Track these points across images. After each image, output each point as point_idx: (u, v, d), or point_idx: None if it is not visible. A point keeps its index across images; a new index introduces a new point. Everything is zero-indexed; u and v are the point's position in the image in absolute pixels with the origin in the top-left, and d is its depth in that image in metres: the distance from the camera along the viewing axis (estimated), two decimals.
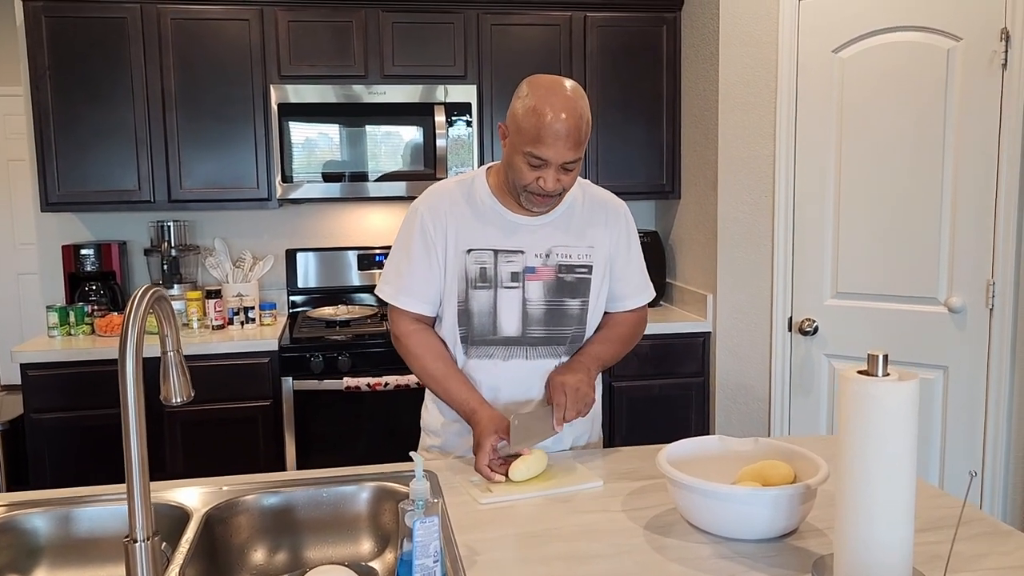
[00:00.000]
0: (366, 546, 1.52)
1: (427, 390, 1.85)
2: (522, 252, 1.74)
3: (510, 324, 1.74)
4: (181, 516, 1.44)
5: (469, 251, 1.73)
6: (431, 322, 1.81)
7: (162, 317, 1.22)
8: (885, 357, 1.10)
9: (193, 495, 1.51)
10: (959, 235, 2.66)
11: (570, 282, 1.77)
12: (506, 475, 1.56)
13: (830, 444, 1.76)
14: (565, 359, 1.78)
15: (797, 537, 1.31)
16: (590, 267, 1.79)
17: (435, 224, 1.73)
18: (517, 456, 1.57)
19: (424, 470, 1.60)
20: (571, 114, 1.57)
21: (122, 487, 1.51)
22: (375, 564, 1.48)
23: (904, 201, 2.74)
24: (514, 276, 1.73)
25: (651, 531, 1.35)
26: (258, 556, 1.48)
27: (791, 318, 3.02)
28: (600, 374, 1.81)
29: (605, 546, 1.30)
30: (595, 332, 1.85)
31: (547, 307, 1.75)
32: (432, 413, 1.87)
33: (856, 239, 2.85)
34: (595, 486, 1.55)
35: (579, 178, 1.84)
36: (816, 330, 2.95)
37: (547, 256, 1.75)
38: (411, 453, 1.18)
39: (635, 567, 1.23)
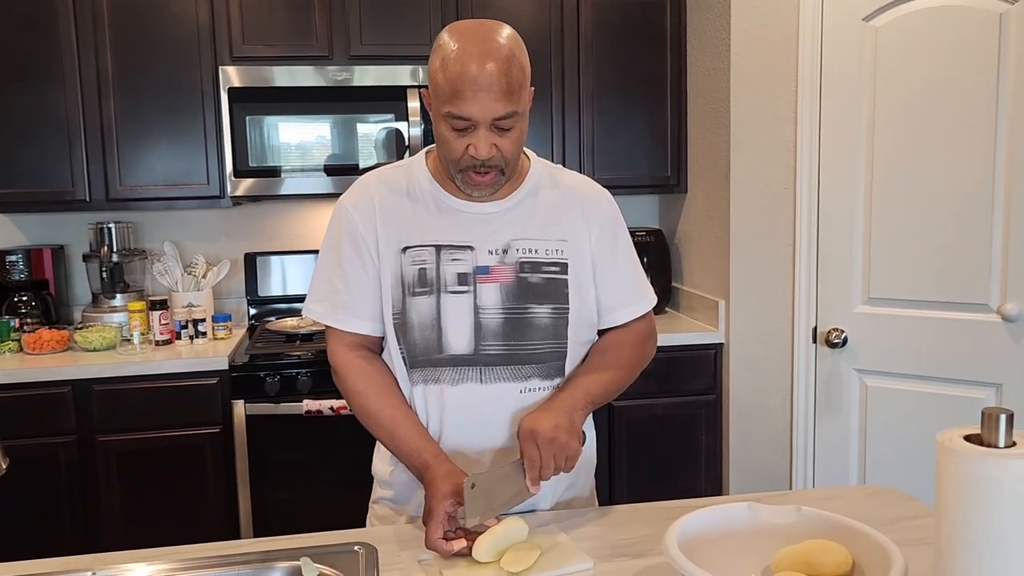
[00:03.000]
0: None
1: None
2: (471, 248, 1.37)
3: (459, 339, 1.36)
4: None
5: (405, 249, 1.37)
6: (377, 345, 1.44)
7: None
8: (1009, 418, 0.72)
9: None
10: (1014, 231, 2.27)
11: (535, 284, 1.38)
12: (470, 551, 1.18)
13: (886, 500, 1.37)
14: (535, 384, 1.39)
15: None
16: (563, 265, 1.39)
17: (364, 220, 1.39)
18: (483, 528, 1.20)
19: (357, 544, 1.24)
20: (495, 57, 1.23)
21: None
22: None
23: (948, 192, 2.36)
24: (462, 278, 1.36)
25: None
26: None
27: (815, 328, 2.64)
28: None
29: None
30: (586, 357, 1.47)
31: (506, 316, 1.36)
32: (382, 457, 1.50)
33: (891, 237, 2.46)
34: (584, 568, 1.17)
35: (547, 161, 1.48)
36: (845, 341, 2.57)
37: (504, 252, 1.37)
38: (302, 560, 0.80)
39: None
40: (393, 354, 1.40)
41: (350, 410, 1.43)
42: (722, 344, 2.87)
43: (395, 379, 1.40)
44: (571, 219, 1.42)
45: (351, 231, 1.39)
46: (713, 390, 2.89)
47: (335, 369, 1.43)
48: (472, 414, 1.37)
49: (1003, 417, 0.72)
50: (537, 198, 1.42)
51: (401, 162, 1.48)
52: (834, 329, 2.58)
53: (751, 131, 2.70)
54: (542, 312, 1.38)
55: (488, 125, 1.26)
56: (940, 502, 0.73)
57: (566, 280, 1.40)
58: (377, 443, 1.50)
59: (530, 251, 1.39)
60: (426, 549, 1.21)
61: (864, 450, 2.60)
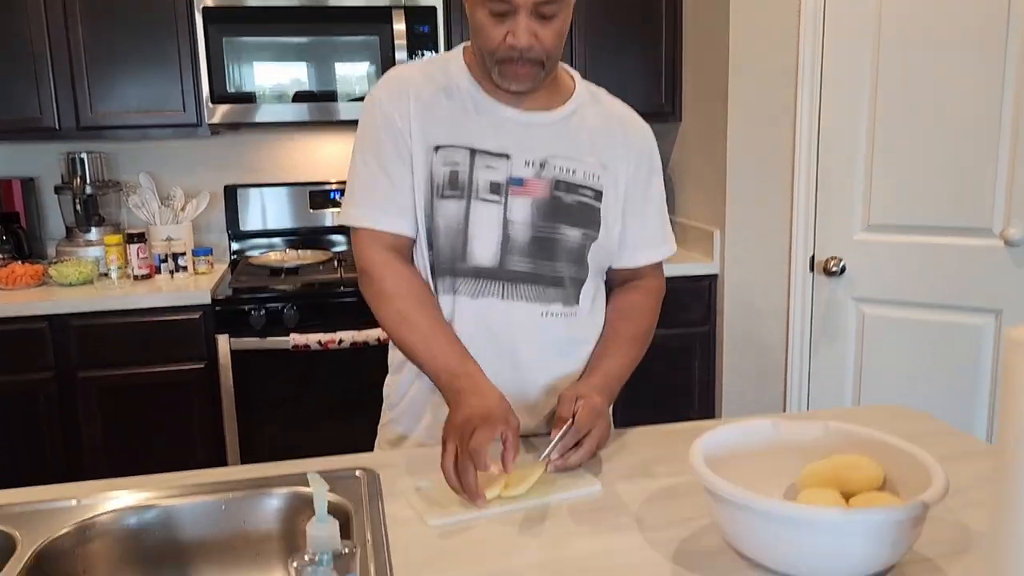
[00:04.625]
0: None
1: (392, 347, 1.40)
2: (507, 157, 1.28)
3: (484, 250, 1.28)
4: (4, 547, 1.00)
5: (437, 148, 1.27)
6: (411, 252, 1.33)
7: None
8: None
9: (27, 514, 1.06)
10: (1021, 153, 2.22)
11: (569, 205, 1.31)
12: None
13: (914, 421, 1.34)
14: (557, 308, 1.33)
15: (896, 573, 0.89)
16: (599, 193, 1.32)
17: (400, 112, 1.28)
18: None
19: (359, 469, 1.18)
20: None
21: None
22: None
23: (953, 113, 2.29)
24: (494, 186, 1.28)
25: (683, 566, 0.92)
26: None
27: (813, 256, 2.59)
28: None
29: None
30: (610, 323, 1.40)
31: (535, 233, 1.29)
32: (394, 377, 1.41)
33: (894, 161, 2.39)
34: (591, 492, 1.12)
35: (591, 84, 1.40)
36: (843, 270, 2.52)
37: (541, 166, 1.29)
38: (310, 475, 0.74)
39: None
40: (422, 259, 1.31)
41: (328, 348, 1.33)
42: (716, 275, 2.81)
43: (429, 288, 1.32)
44: (612, 147, 1.35)
45: (388, 124, 1.28)
46: (707, 321, 2.85)
47: (365, 269, 1.30)
48: (488, 331, 1.30)
49: None
50: (582, 118, 1.34)
51: (436, 56, 1.39)
52: (832, 257, 2.53)
53: (750, 54, 2.60)
54: (572, 236, 1.32)
55: (529, 10, 1.16)
56: (1006, 406, 0.68)
57: (599, 208, 1.33)
58: (393, 363, 1.42)
59: (568, 171, 1.31)
60: (425, 475, 1.15)
61: (860, 380, 2.57)
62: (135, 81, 2.66)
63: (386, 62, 2.69)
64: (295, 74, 2.69)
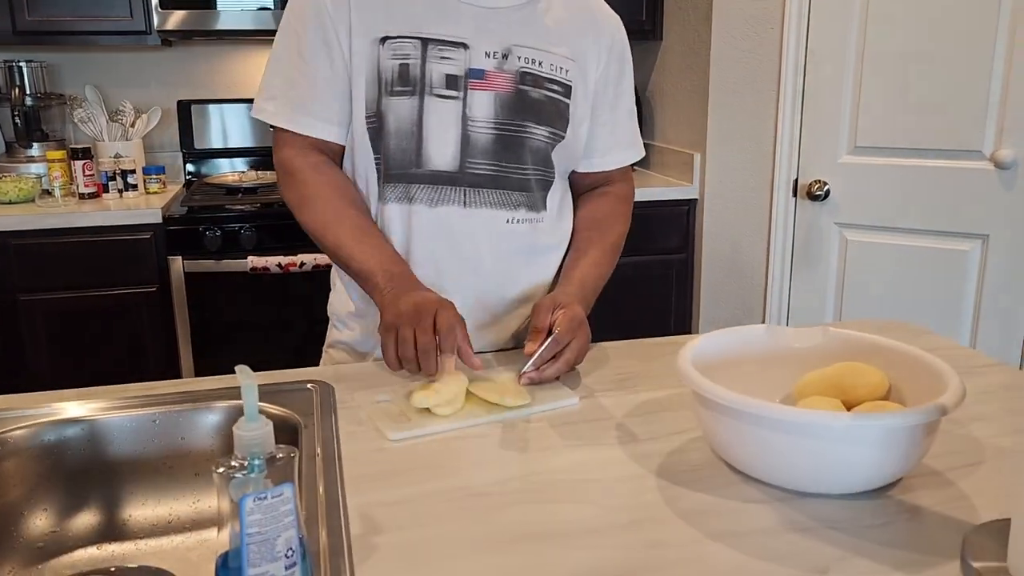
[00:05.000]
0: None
1: (334, 266, 1.27)
2: (464, 46, 1.14)
3: (442, 152, 1.15)
4: None
5: (384, 40, 1.13)
6: (338, 156, 1.21)
7: None
8: None
9: None
10: (1016, 71, 2.12)
11: (536, 100, 1.18)
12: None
13: (913, 335, 1.25)
14: (523, 214, 1.21)
15: (905, 488, 0.81)
16: (568, 87, 1.20)
17: (334, 2, 1.12)
18: None
19: (311, 383, 1.07)
20: None
21: None
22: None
23: (946, 30, 2.17)
24: (451, 80, 1.14)
25: (671, 481, 0.83)
26: (41, 523, 0.94)
27: (796, 180, 2.49)
28: None
29: (599, 511, 0.78)
30: (579, 232, 1.29)
31: (498, 132, 1.16)
32: (340, 294, 1.29)
33: (883, 79, 2.28)
34: (568, 404, 1.02)
35: None
36: (827, 194, 2.43)
37: (504, 57, 1.16)
38: (237, 368, 0.63)
39: (655, 551, 0.71)
40: (363, 166, 1.18)
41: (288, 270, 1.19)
42: (696, 200, 2.71)
43: (359, 192, 1.20)
44: (582, 37, 1.22)
45: (317, 13, 1.13)
46: (685, 248, 2.75)
47: (287, 171, 1.18)
48: (449, 242, 1.18)
49: None
50: (548, 4, 1.21)
51: None
52: (816, 181, 2.44)
53: None
54: (539, 134, 1.19)
55: None
56: None
57: (568, 104, 1.21)
58: (338, 280, 1.30)
59: (534, 62, 1.18)
60: (386, 387, 1.05)
61: (840, 308, 2.50)
62: None
63: None
64: None
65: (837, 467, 0.75)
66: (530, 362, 1.05)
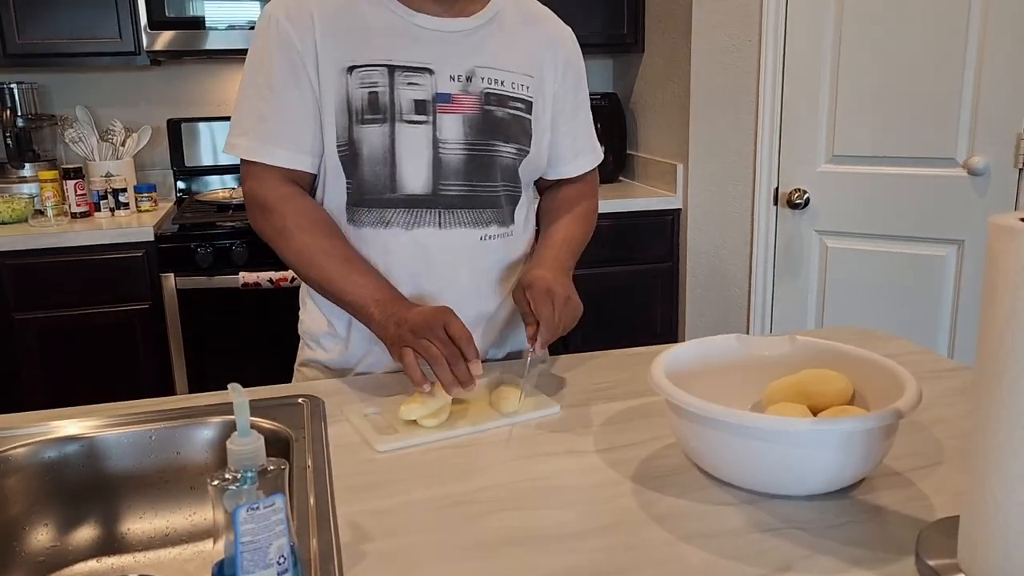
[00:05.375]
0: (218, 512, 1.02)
1: (303, 285, 1.32)
2: (430, 71, 1.18)
3: (415, 176, 1.19)
4: None
5: (351, 69, 1.16)
6: (309, 185, 1.24)
7: None
8: None
9: None
10: (986, 81, 2.17)
11: (501, 119, 1.22)
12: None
13: (880, 342, 1.30)
14: (494, 231, 1.25)
15: (867, 488, 0.85)
16: (528, 103, 1.25)
17: (299, 32, 1.15)
18: None
19: (301, 397, 1.11)
20: None
21: None
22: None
23: (919, 42, 2.23)
24: (420, 106, 1.18)
25: (645, 486, 0.87)
26: (41, 537, 0.97)
27: (777, 189, 2.54)
28: None
29: (576, 517, 0.82)
30: (548, 212, 1.36)
31: (469, 152, 1.21)
32: (312, 313, 1.31)
33: (859, 91, 2.34)
34: (551, 413, 1.06)
35: None
36: (807, 202, 2.48)
37: (468, 80, 1.20)
38: (230, 386, 0.67)
39: (629, 553, 0.75)
40: (333, 191, 1.21)
41: (279, 253, 1.21)
42: (679, 210, 2.76)
43: (331, 219, 1.23)
44: (539, 54, 1.27)
45: (284, 45, 1.16)
46: (670, 257, 2.80)
47: (260, 204, 1.19)
48: (427, 262, 1.22)
49: None
50: (503, 23, 1.25)
51: None
52: (796, 189, 2.49)
53: None
54: (507, 151, 1.24)
55: None
56: (990, 287, 0.63)
57: (530, 120, 1.26)
58: (307, 300, 1.33)
59: (496, 82, 1.22)
60: (375, 402, 1.09)
61: (822, 314, 2.56)
62: (66, 4, 2.49)
63: None
64: None
65: (800, 470, 0.80)
66: (537, 345, 1.10)
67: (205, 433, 1.04)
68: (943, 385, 1.11)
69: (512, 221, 1.29)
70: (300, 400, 1.10)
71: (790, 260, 2.56)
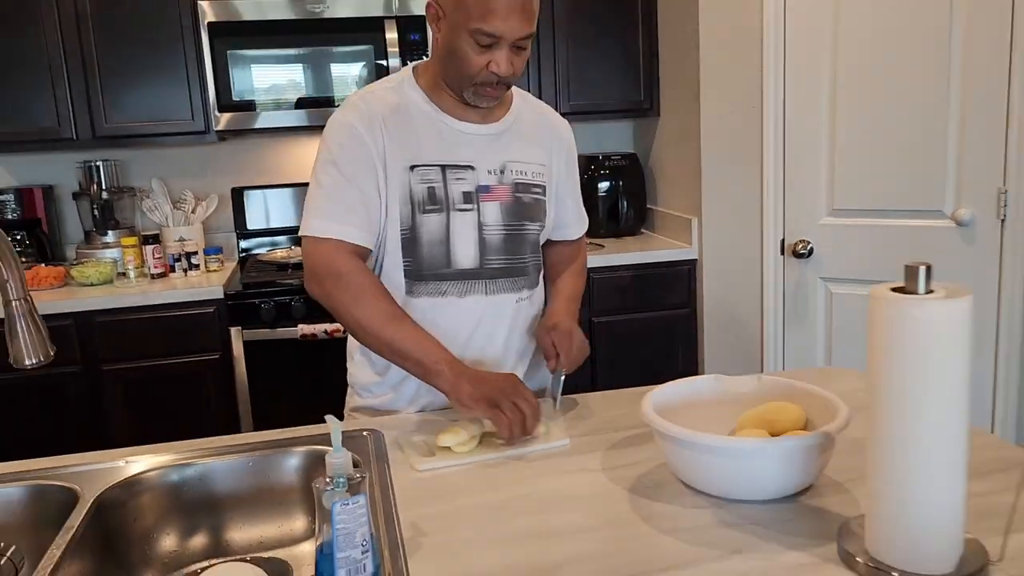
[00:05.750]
0: (300, 523, 1.28)
1: (351, 339, 1.57)
2: (472, 168, 1.46)
3: (466, 254, 1.46)
4: (68, 501, 1.19)
5: (413, 167, 1.43)
6: (366, 259, 1.46)
7: None
8: (928, 269, 0.85)
9: (84, 473, 1.25)
10: (968, 140, 2.40)
11: (528, 204, 1.51)
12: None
13: (843, 378, 1.53)
14: (525, 294, 1.54)
15: (813, 494, 1.08)
16: (543, 187, 1.55)
17: (372, 135, 1.40)
18: None
19: (366, 430, 1.37)
20: None
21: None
22: (310, 545, 1.25)
23: (907, 105, 2.47)
24: (466, 196, 1.46)
25: (638, 495, 1.11)
26: (167, 543, 1.24)
27: (783, 240, 2.78)
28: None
29: (583, 517, 1.06)
30: (550, 267, 1.68)
31: (505, 232, 1.49)
32: (361, 365, 1.56)
33: (854, 150, 2.58)
34: (561, 445, 1.30)
35: (518, 88, 1.58)
36: (811, 252, 2.71)
37: (501, 173, 1.48)
38: (327, 417, 0.93)
39: (622, 542, 0.99)
40: (389, 268, 1.45)
41: (342, 320, 1.41)
42: (695, 260, 3.00)
43: None
44: (547, 144, 1.56)
45: (358, 144, 1.39)
46: (688, 303, 3.04)
47: (334, 273, 1.38)
48: (476, 324, 1.49)
49: (922, 269, 0.85)
50: (522, 123, 1.53)
51: (388, 81, 1.49)
52: (801, 240, 2.72)
53: (720, 54, 2.78)
54: (532, 229, 1.53)
55: (511, 43, 1.33)
56: (871, 346, 0.87)
57: (545, 200, 1.55)
58: (355, 353, 1.57)
59: (522, 172, 1.51)
60: (419, 431, 1.34)
61: (830, 353, 2.76)
62: (146, 92, 2.84)
63: (380, 69, 2.88)
64: (294, 81, 2.87)
65: (753, 479, 1.03)
66: (560, 372, 1.43)
67: (291, 461, 1.31)
68: None
69: (537, 283, 1.59)
70: (364, 433, 1.36)
71: (798, 305, 2.79)
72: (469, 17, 1.30)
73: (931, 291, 0.85)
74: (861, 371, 1.58)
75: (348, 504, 0.89)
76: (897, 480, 0.86)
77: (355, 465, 0.98)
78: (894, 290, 0.87)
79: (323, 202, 1.41)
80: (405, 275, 1.46)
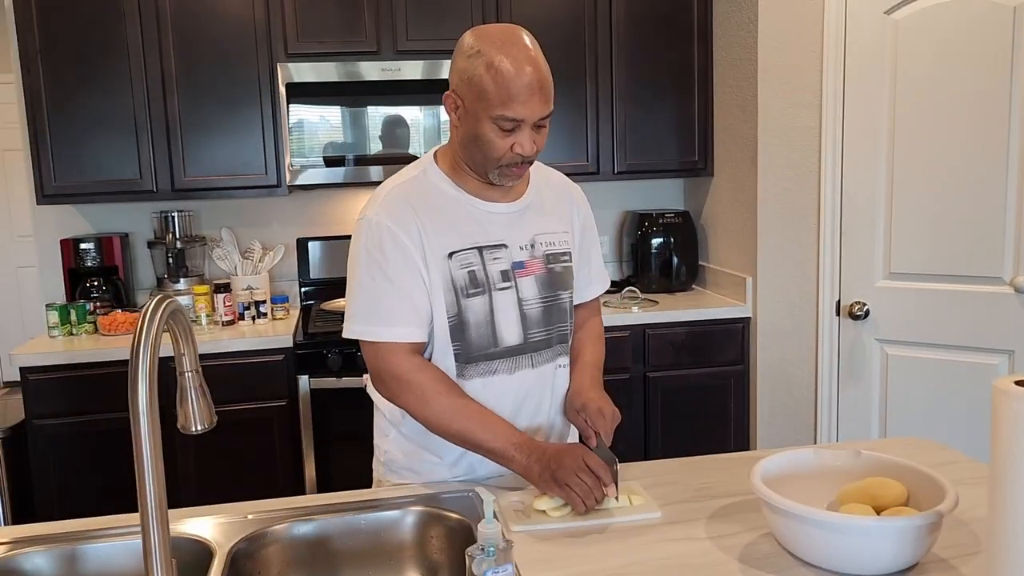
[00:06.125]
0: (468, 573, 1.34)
1: (385, 418, 1.61)
2: (505, 246, 1.50)
3: (511, 331, 1.50)
4: (202, 552, 1.26)
5: (451, 255, 1.45)
6: (423, 352, 1.49)
7: (178, 333, 1.03)
8: None
9: (213, 526, 1.33)
10: None
11: (559, 273, 1.56)
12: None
13: (926, 450, 1.57)
14: (563, 360, 1.58)
15: (919, 571, 1.13)
16: (569, 254, 1.59)
17: (407, 231, 1.43)
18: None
19: (469, 491, 1.43)
20: (536, 62, 1.35)
21: (135, 518, 1.33)
22: None
23: (965, 174, 2.54)
24: (504, 275, 1.49)
25: (748, 564, 1.16)
26: None
27: (839, 301, 2.83)
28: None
29: None
30: (576, 339, 1.67)
31: (543, 305, 1.53)
32: (400, 443, 1.57)
33: (911, 216, 2.65)
34: (652, 517, 1.33)
35: None
36: (867, 314, 2.76)
37: (532, 247, 1.53)
38: (479, 490, 1.00)
39: None
40: (440, 355, 1.47)
41: (414, 417, 1.45)
42: (749, 318, 3.06)
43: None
44: (566, 212, 1.61)
45: (395, 243, 1.42)
46: (741, 361, 3.09)
47: (396, 377, 1.43)
48: (526, 396, 1.53)
49: None
50: (542, 195, 1.58)
51: (413, 169, 1.52)
52: (857, 302, 2.78)
53: (778, 118, 2.87)
54: (565, 296, 1.57)
55: (532, 126, 1.38)
56: (995, 438, 0.92)
57: (571, 266, 1.59)
58: (390, 431, 1.59)
59: (551, 243, 1.56)
60: (512, 495, 1.41)
61: (885, 415, 2.80)
62: (223, 147, 2.97)
63: (443, 128, 2.99)
64: (362, 140, 2.98)
65: (867, 556, 1.09)
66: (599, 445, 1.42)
67: (403, 519, 1.37)
68: (983, 489, 1.38)
69: (570, 348, 1.62)
70: (469, 493, 1.42)
71: (853, 367, 2.83)
72: (491, 106, 1.34)
73: None
74: (940, 442, 1.63)
75: (498, 572, 0.95)
76: (1019, 569, 0.91)
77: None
78: (1018, 383, 0.93)
79: (365, 304, 1.44)
80: (456, 359, 1.47)
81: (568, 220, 1.61)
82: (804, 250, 2.88)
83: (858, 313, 2.77)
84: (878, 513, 1.18)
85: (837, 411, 2.89)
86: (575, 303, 1.65)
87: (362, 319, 1.43)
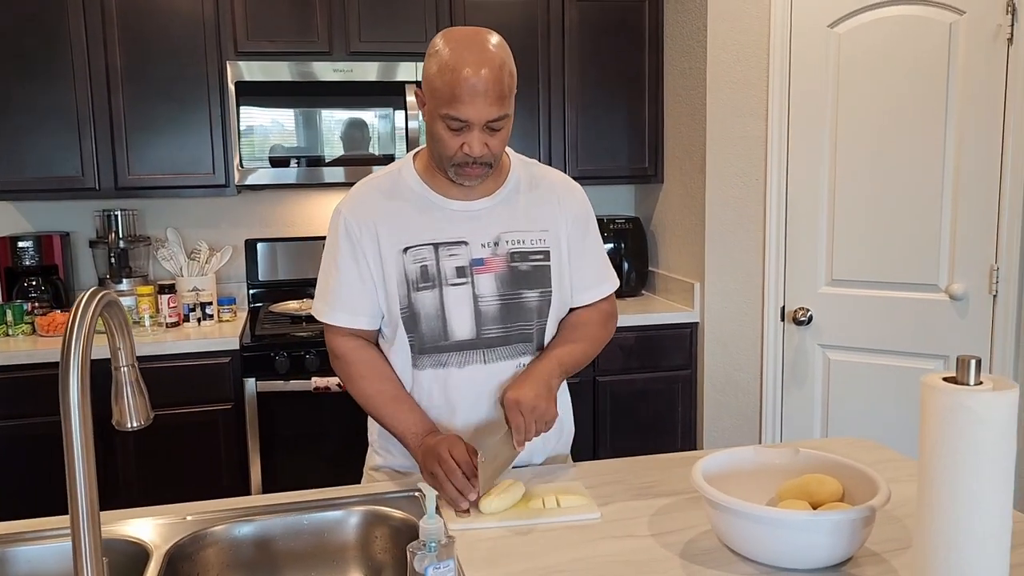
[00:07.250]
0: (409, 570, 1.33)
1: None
2: (465, 243, 1.53)
3: (462, 326, 1.52)
4: (138, 554, 1.23)
5: (406, 249, 1.51)
6: (373, 336, 1.60)
7: (113, 326, 1.01)
8: (978, 363, 0.94)
9: (151, 527, 1.30)
10: (961, 218, 2.54)
11: (525, 271, 1.55)
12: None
13: (863, 449, 1.61)
14: (527, 360, 1.57)
15: (854, 564, 1.16)
16: (546, 253, 1.57)
17: (361, 226, 1.52)
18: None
19: (416, 490, 1.42)
20: (489, 65, 1.37)
21: (67, 520, 1.30)
22: None
23: (903, 183, 2.62)
24: (460, 271, 1.52)
25: (689, 560, 1.18)
26: None
27: (783, 307, 2.89)
28: (565, 380, 1.61)
29: None
30: (557, 332, 1.63)
31: (502, 302, 1.54)
32: (373, 422, 1.66)
33: (852, 224, 2.71)
34: (591, 518, 1.33)
35: (524, 158, 1.64)
36: (810, 319, 2.82)
37: (495, 245, 1.54)
38: (419, 485, 0.99)
39: None
40: (399, 344, 1.54)
41: (346, 390, 1.58)
42: (697, 323, 3.10)
43: (389, 363, 1.56)
44: (550, 211, 1.60)
45: (347, 236, 1.52)
46: (689, 365, 3.13)
47: (335, 354, 1.58)
48: (478, 392, 1.54)
49: (973, 362, 0.94)
50: (519, 193, 1.59)
51: (391, 168, 1.59)
52: (800, 308, 2.83)
53: (726, 126, 2.92)
54: (531, 296, 1.56)
55: (481, 126, 1.40)
56: (924, 431, 0.95)
57: (549, 267, 1.58)
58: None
59: (518, 242, 1.55)
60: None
61: (827, 418, 2.86)
62: (170, 145, 2.91)
63: (398, 131, 2.98)
64: (313, 141, 2.96)
65: (803, 550, 1.11)
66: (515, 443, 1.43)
67: (346, 519, 1.36)
68: (913, 485, 1.41)
69: (542, 345, 1.59)
70: (415, 493, 1.42)
71: (797, 371, 2.89)
72: (440, 104, 1.39)
73: (980, 382, 0.94)
74: (878, 442, 1.67)
75: (440, 568, 0.95)
76: (946, 558, 0.94)
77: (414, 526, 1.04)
78: (946, 379, 0.96)
79: (327, 290, 1.57)
80: (411, 349, 1.54)
81: (549, 217, 1.58)
82: (751, 257, 2.93)
83: (802, 319, 2.82)
84: (815, 509, 1.20)
85: (781, 414, 2.94)
86: (574, 305, 1.64)
87: (319, 298, 1.58)
